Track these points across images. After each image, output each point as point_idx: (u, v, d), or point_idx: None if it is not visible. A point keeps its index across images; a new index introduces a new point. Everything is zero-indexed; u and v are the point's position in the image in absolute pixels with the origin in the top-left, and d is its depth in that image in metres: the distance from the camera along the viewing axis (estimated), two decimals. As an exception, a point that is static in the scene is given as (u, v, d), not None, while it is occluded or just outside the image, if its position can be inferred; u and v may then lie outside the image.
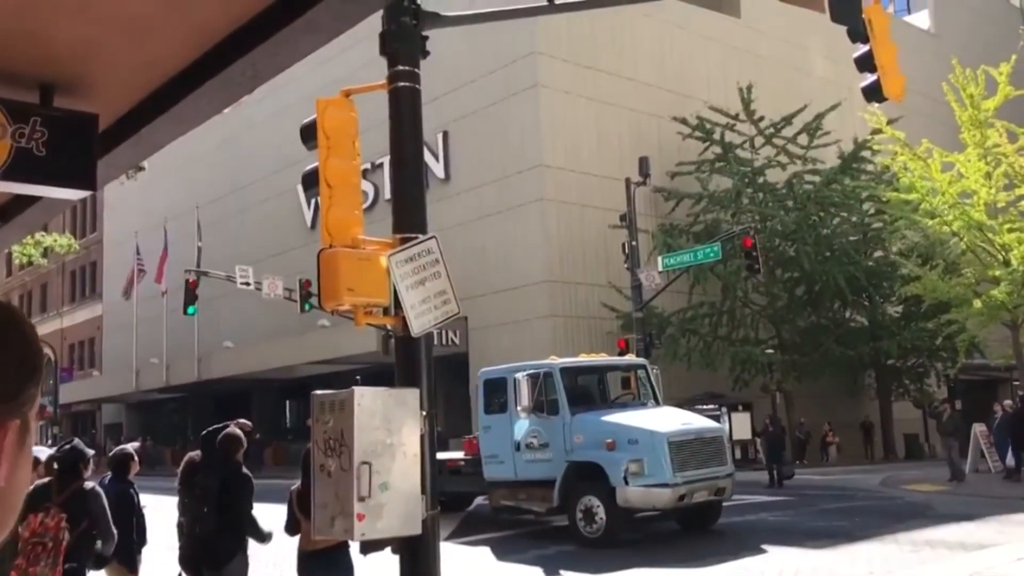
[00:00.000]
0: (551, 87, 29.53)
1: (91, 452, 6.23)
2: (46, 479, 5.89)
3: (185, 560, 6.59)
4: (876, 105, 14.63)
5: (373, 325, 9.33)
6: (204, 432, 6.82)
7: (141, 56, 4.25)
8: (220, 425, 6.74)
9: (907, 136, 24.40)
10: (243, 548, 6.42)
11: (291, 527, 6.40)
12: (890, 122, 24.10)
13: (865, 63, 10.34)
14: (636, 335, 24.14)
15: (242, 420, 6.92)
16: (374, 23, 6.22)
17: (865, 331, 31.97)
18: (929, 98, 32.56)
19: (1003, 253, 22.94)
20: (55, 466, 5.97)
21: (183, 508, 6.70)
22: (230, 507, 6.29)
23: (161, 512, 9.34)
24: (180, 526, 6.68)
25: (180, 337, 40.51)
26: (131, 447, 7.57)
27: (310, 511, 6.05)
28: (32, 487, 5.82)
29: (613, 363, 16.78)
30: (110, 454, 7.48)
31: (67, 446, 6.15)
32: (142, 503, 7.37)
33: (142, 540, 7.22)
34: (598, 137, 30.36)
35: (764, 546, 12.15)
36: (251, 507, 6.43)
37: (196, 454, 6.82)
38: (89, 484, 5.91)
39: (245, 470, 6.51)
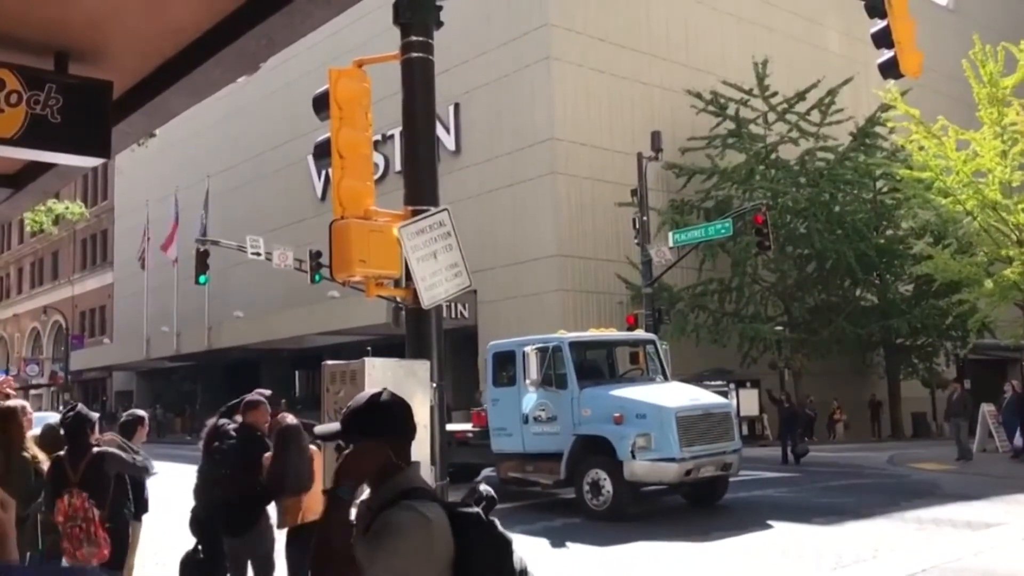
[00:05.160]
0: (563, 59, 29.31)
1: (95, 416, 6.01)
2: (61, 452, 5.80)
3: (198, 524, 6.60)
4: (892, 82, 14.52)
5: (384, 297, 9.35)
6: (230, 404, 6.78)
7: (156, 24, 4.23)
8: (240, 399, 6.70)
9: (922, 114, 24.12)
10: (266, 515, 6.30)
11: None
12: (903, 93, 23.79)
13: (882, 39, 10.23)
14: (645, 310, 24.14)
15: (261, 390, 6.85)
16: (388, -7, 6.17)
17: (875, 309, 31.85)
18: (946, 75, 32.21)
19: (1016, 233, 22.78)
20: (61, 432, 5.84)
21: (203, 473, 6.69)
22: (249, 472, 6.19)
23: (170, 479, 9.43)
24: (196, 490, 6.68)
25: (191, 306, 40.69)
26: (142, 413, 7.48)
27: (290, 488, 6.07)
28: (50, 464, 5.81)
29: (622, 338, 16.79)
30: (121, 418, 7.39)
31: (71, 413, 5.88)
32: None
33: (140, 507, 6.87)
34: (610, 111, 30.16)
35: (770, 521, 12.20)
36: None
37: (218, 420, 6.84)
38: (97, 449, 5.74)
39: (260, 434, 6.40)
